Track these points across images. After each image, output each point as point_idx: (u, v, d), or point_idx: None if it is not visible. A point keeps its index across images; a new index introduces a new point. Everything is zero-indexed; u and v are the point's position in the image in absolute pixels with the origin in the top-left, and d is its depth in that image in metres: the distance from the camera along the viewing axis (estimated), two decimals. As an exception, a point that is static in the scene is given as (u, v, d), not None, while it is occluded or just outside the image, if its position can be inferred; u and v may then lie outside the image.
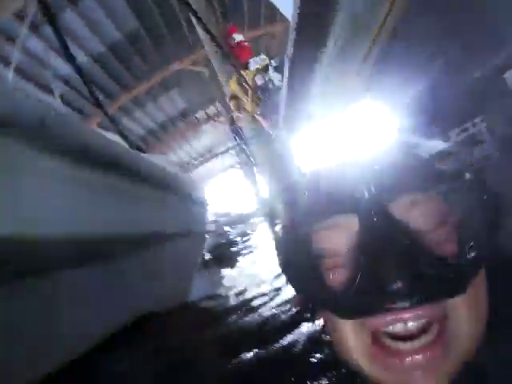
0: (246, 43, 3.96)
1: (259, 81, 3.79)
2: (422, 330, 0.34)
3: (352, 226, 0.37)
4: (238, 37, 3.84)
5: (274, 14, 7.88)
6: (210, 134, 12.01)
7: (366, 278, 0.34)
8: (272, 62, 3.95)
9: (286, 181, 3.49)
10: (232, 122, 4.09)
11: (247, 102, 3.46)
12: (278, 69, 3.94)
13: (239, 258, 4.85)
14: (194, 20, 3.69)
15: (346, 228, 0.38)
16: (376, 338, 0.36)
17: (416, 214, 0.37)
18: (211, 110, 12.04)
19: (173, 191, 1.90)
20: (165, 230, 1.87)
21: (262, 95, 3.64)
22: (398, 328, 0.34)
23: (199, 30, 3.74)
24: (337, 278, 0.38)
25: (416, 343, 0.33)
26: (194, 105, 10.09)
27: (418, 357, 0.33)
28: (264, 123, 3.48)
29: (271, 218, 5.57)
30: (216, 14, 3.89)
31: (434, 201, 0.37)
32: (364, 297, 0.34)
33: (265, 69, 3.89)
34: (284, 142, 3.27)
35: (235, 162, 12.79)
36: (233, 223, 7.89)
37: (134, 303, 1.73)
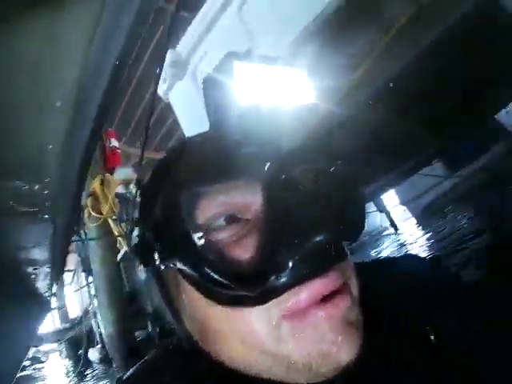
0: (118, 151, 4.12)
1: (120, 190, 3.85)
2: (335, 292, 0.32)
3: (255, 192, 0.34)
4: (114, 142, 4.00)
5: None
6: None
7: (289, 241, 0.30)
8: (138, 181, 4.13)
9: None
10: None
11: (104, 204, 3.40)
12: (139, 186, 4.13)
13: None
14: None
15: (252, 191, 0.34)
16: (288, 315, 0.32)
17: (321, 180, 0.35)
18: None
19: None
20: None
21: (120, 203, 3.66)
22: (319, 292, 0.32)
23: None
24: (245, 252, 0.32)
25: (333, 299, 0.32)
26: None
27: (338, 311, 0.32)
28: (114, 229, 3.40)
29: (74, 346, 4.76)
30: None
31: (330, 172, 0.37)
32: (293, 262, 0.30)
33: (128, 182, 4.02)
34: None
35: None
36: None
37: None
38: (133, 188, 3.99)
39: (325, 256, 0.31)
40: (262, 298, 0.31)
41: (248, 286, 0.31)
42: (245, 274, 0.31)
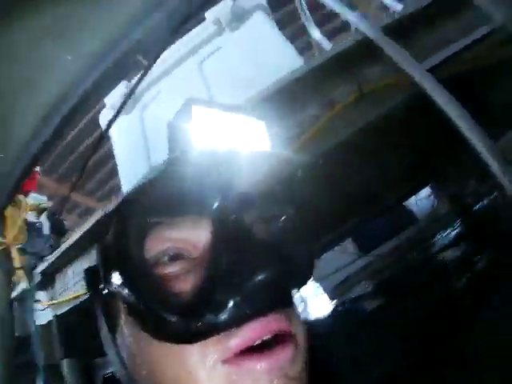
0: (37, 175, 3.74)
1: (31, 218, 3.42)
2: (276, 339, 0.32)
3: (204, 230, 0.35)
4: (36, 166, 3.63)
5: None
6: None
7: (230, 282, 0.30)
8: (50, 209, 3.74)
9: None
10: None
11: (10, 229, 2.96)
12: (51, 219, 3.73)
13: None
14: None
15: (199, 229, 0.35)
16: (228, 359, 0.31)
17: (271, 228, 0.38)
18: None
19: None
20: None
21: (28, 232, 3.22)
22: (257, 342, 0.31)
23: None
24: (189, 287, 0.33)
25: (273, 351, 0.31)
26: None
27: (277, 364, 0.31)
28: (16, 260, 2.93)
29: None
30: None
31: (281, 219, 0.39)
32: (231, 303, 0.30)
33: (41, 210, 3.63)
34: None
35: None
36: None
37: None
38: (45, 219, 3.59)
39: (265, 297, 0.30)
40: (196, 335, 0.30)
41: (184, 320, 0.30)
42: (182, 308, 0.31)
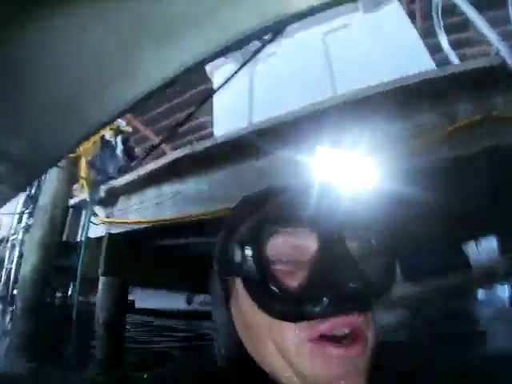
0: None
1: (108, 136, 3.47)
2: (351, 335, 0.41)
3: (313, 242, 0.44)
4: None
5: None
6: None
7: (324, 287, 0.41)
8: (125, 139, 3.75)
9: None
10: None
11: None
12: (125, 143, 3.75)
13: None
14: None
15: (309, 241, 0.45)
16: (313, 339, 0.41)
17: (364, 246, 0.46)
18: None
19: None
20: None
21: (101, 148, 3.26)
22: (337, 332, 0.41)
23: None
24: (296, 282, 0.43)
25: (347, 345, 0.40)
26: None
27: (348, 354, 0.40)
28: (83, 169, 2.98)
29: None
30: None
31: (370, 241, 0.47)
32: (321, 302, 0.40)
33: (118, 132, 3.66)
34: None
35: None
36: None
37: None
38: (119, 141, 3.63)
39: (350, 301, 0.41)
40: (296, 317, 0.41)
41: (289, 305, 0.42)
42: (290, 296, 0.42)
